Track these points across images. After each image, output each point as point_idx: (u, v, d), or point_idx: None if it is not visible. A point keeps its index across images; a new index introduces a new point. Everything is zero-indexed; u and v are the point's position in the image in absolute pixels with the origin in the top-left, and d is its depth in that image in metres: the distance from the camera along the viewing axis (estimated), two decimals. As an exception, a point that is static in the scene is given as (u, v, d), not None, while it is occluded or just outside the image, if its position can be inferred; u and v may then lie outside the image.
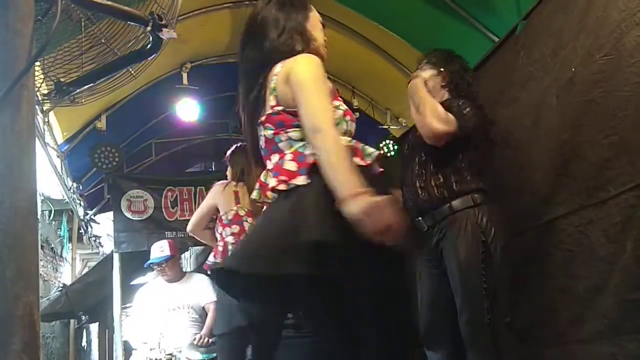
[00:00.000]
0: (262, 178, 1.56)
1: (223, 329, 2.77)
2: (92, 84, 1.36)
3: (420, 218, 2.32)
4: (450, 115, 2.23)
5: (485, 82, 3.08)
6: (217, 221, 3.00)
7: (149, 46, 1.29)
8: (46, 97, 1.35)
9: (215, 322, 2.88)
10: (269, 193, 1.49)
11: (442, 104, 2.33)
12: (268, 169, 1.55)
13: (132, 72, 1.43)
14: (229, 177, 3.10)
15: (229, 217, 2.93)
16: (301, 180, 1.43)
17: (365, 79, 4.57)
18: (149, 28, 1.20)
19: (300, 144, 1.49)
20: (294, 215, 1.38)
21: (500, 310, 2.16)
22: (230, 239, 2.87)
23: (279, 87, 1.53)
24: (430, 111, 2.23)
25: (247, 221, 2.92)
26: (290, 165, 1.47)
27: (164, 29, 1.20)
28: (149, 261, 4.06)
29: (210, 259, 2.93)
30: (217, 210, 3.01)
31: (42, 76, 1.40)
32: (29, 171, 0.94)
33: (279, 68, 1.56)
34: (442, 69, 2.47)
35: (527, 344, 2.53)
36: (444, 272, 2.23)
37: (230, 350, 2.87)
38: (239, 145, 3.14)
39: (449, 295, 2.21)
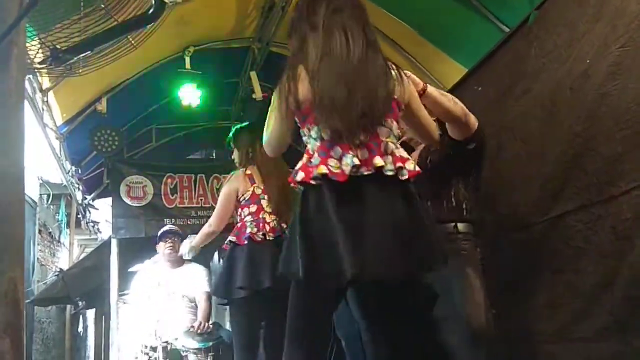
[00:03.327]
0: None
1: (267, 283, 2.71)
2: (90, 52, 1.29)
3: None
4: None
5: (496, 73, 3.02)
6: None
7: (151, 10, 1.22)
8: (41, 65, 1.28)
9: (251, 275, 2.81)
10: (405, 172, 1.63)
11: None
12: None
13: (133, 41, 1.37)
14: (236, 159, 3.05)
15: (246, 198, 2.92)
16: None
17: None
18: (151, -10, 1.13)
19: None
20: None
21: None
22: (248, 219, 2.87)
23: None
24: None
25: (264, 199, 2.91)
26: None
27: (167, -7, 1.13)
28: (164, 229, 4.11)
29: (232, 238, 2.88)
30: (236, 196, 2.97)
31: (37, 45, 1.33)
32: (17, 135, 0.87)
33: None
34: None
35: (531, 340, 2.48)
36: None
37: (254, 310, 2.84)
38: (239, 126, 3.12)
39: None
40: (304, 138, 1.73)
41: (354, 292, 1.81)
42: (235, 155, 3.05)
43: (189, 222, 5.48)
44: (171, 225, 4.40)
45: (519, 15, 2.89)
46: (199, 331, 3.70)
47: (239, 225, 2.90)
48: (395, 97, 1.70)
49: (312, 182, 1.59)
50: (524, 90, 2.69)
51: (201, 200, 5.53)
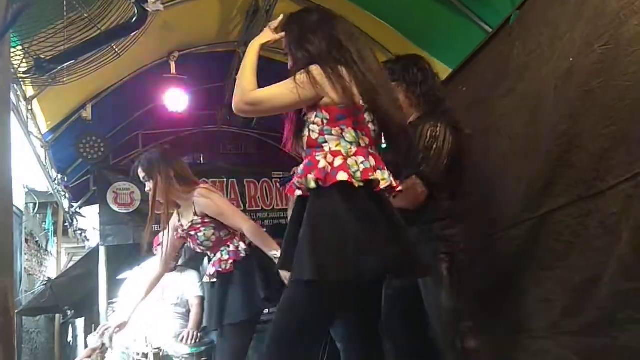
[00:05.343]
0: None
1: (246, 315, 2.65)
2: (74, 61, 1.28)
3: None
4: (419, 188, 2.21)
5: (479, 73, 3.04)
6: None
7: (133, 20, 1.21)
8: (25, 75, 1.27)
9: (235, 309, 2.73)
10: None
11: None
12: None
13: (117, 49, 1.36)
14: None
15: None
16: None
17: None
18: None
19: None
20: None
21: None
22: None
23: None
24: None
25: None
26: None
27: (149, 1, 1.12)
28: None
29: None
30: None
31: (21, 54, 1.32)
32: (3, 146, 0.87)
33: None
34: (401, 82, 2.36)
35: (521, 335, 2.50)
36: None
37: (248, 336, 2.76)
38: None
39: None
40: (322, 136, 1.68)
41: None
42: None
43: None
44: None
45: (501, 15, 2.92)
46: (189, 341, 3.68)
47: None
48: None
49: (356, 184, 1.58)
50: (509, 89, 2.72)
51: (189, 204, 5.49)
